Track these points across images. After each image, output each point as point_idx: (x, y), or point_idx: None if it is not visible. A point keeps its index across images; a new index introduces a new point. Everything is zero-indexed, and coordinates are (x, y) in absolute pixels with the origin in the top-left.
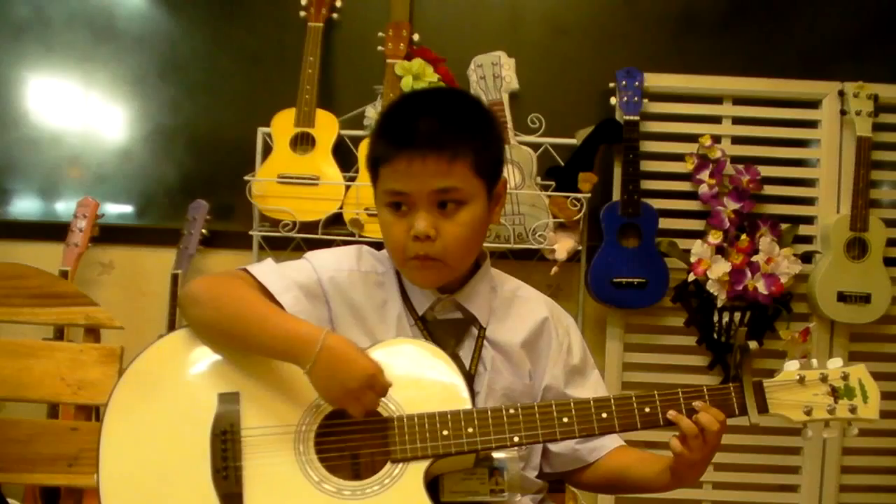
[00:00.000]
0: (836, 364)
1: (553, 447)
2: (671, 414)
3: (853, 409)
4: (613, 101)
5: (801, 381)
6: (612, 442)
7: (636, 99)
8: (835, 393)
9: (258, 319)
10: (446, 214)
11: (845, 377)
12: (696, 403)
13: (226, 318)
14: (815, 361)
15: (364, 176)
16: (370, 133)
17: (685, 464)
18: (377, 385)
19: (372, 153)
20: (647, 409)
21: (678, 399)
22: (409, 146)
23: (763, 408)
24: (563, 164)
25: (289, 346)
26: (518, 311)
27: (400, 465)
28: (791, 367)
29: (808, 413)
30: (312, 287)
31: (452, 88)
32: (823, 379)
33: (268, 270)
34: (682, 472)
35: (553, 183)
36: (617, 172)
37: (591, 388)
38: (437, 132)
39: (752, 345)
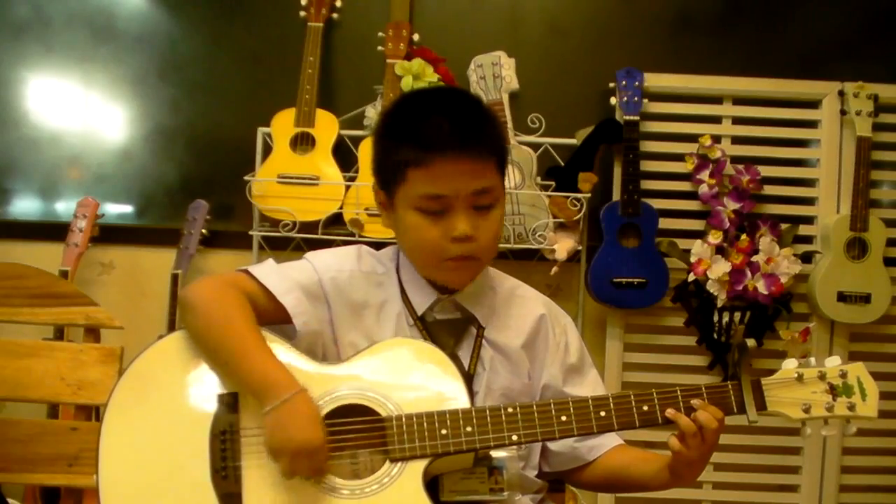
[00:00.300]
0: (834, 362)
1: (552, 446)
2: (670, 412)
3: (851, 407)
4: (613, 101)
5: (800, 378)
6: (611, 440)
7: (636, 99)
8: (833, 391)
9: (240, 351)
10: (481, 214)
11: (844, 375)
12: (695, 402)
13: (211, 339)
14: (812, 360)
15: (364, 176)
16: (387, 135)
17: (684, 462)
18: (316, 460)
19: (396, 156)
20: (646, 408)
21: (676, 397)
22: (448, 148)
23: (761, 406)
24: (563, 164)
25: (260, 386)
26: (517, 310)
27: (399, 464)
28: (789, 365)
29: (807, 411)
30: (313, 288)
31: (459, 89)
32: (822, 377)
33: (269, 272)
34: (681, 470)
35: (553, 183)
36: (617, 172)
37: (590, 386)
38: (474, 133)
39: (751, 343)
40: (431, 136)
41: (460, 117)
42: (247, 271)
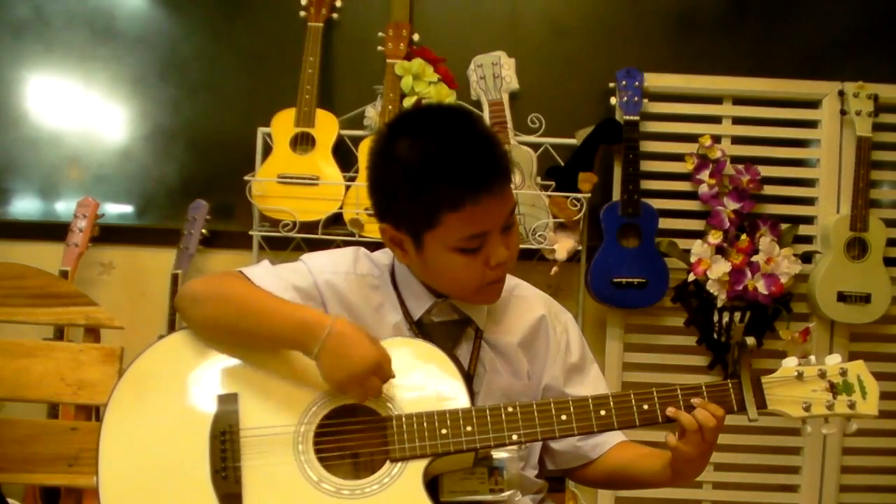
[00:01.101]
0: (834, 360)
1: (555, 445)
2: (670, 410)
3: (852, 405)
4: (613, 101)
5: (800, 377)
6: (614, 438)
7: (636, 99)
8: (833, 389)
9: (265, 310)
10: (508, 231)
11: (844, 373)
12: (695, 400)
13: (231, 313)
14: (812, 358)
15: (364, 176)
16: (406, 178)
17: (684, 459)
18: (382, 372)
19: (424, 202)
20: (646, 407)
21: (676, 396)
22: (490, 186)
23: (761, 404)
24: (563, 164)
25: (297, 333)
26: (515, 310)
27: (399, 464)
28: (789, 363)
29: (807, 409)
30: (309, 290)
31: (451, 108)
32: (822, 375)
33: (264, 273)
34: (682, 468)
35: (553, 183)
36: (617, 172)
37: (591, 384)
38: (504, 160)
39: (750, 341)
40: (470, 177)
41: (487, 148)
42: (241, 273)
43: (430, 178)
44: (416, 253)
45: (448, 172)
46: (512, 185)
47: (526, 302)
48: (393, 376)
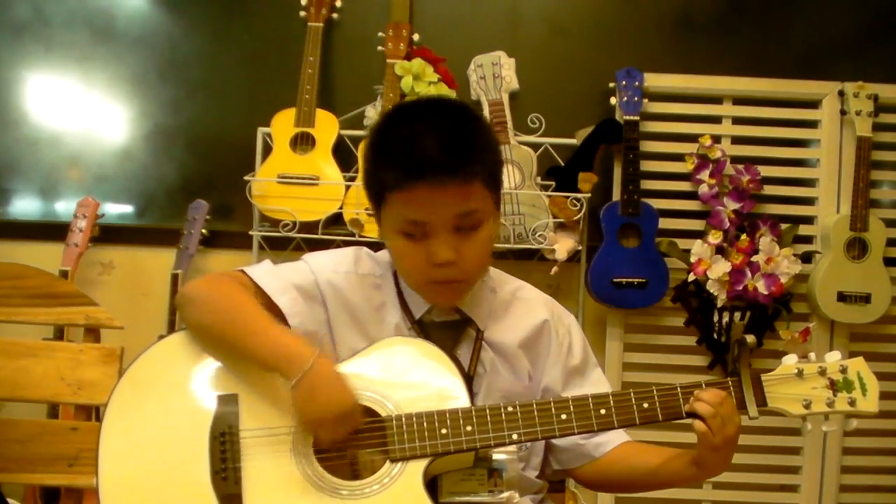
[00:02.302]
0: (834, 357)
1: (558, 443)
2: (688, 406)
3: (852, 402)
4: (613, 101)
5: (800, 374)
6: (618, 437)
7: (636, 99)
8: (833, 386)
9: (253, 328)
10: (465, 235)
11: (844, 370)
12: (697, 392)
13: (220, 323)
14: (813, 355)
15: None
16: (370, 156)
17: (710, 448)
18: (351, 421)
19: (376, 178)
20: (646, 405)
21: (676, 394)
22: (427, 174)
23: (762, 402)
24: (563, 164)
25: (279, 359)
26: (517, 312)
27: (399, 464)
28: (789, 361)
29: (807, 406)
30: (310, 289)
31: (446, 100)
32: (822, 372)
33: (265, 272)
34: (707, 458)
35: (553, 183)
36: (617, 172)
37: (591, 387)
38: (456, 157)
39: (750, 339)
40: (409, 161)
41: (441, 140)
42: (243, 272)
43: (382, 156)
44: (380, 232)
45: (395, 153)
46: (508, 181)
47: (528, 304)
48: (361, 426)
